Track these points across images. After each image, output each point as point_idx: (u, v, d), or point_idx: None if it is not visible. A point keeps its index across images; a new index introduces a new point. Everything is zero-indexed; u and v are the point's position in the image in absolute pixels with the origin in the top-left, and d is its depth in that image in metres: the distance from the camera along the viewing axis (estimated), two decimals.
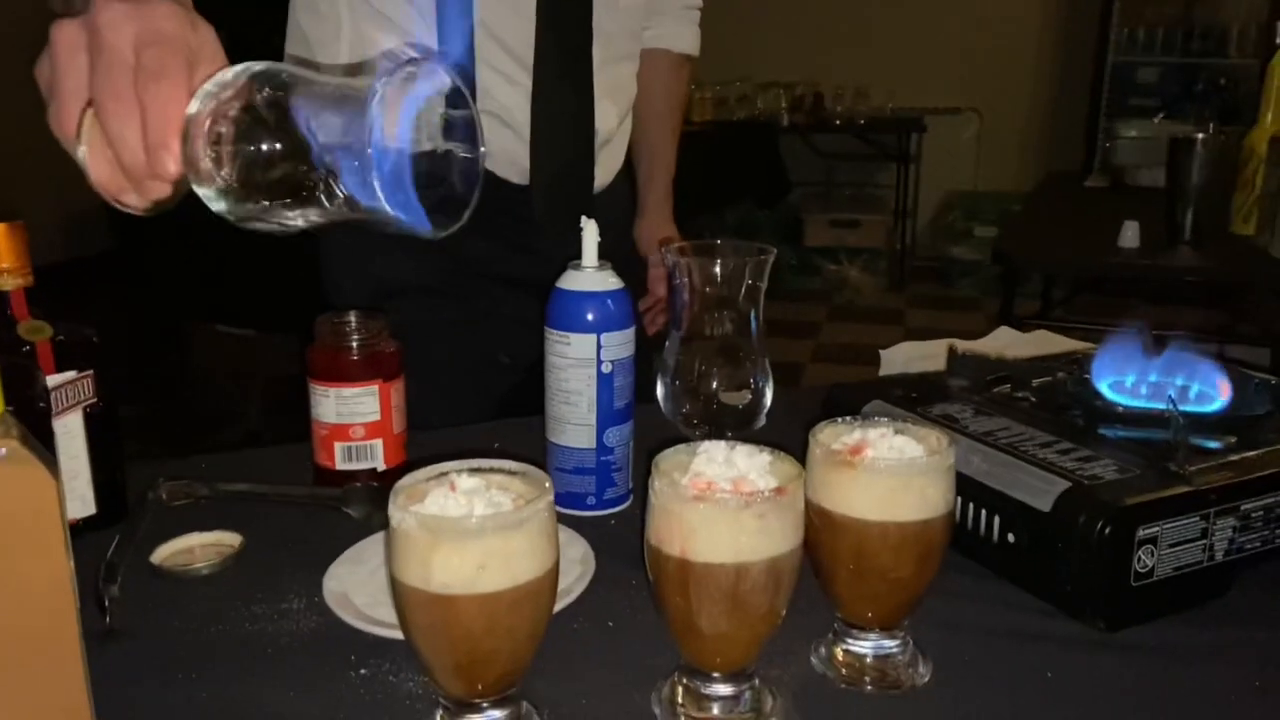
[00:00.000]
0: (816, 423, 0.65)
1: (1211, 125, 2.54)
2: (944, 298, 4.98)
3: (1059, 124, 5.09)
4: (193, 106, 0.57)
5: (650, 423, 0.85)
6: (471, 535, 0.51)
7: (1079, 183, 2.89)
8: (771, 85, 5.22)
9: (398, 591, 0.53)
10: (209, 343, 3.52)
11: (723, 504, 0.54)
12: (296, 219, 0.60)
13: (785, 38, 5.37)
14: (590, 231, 0.84)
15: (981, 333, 1.24)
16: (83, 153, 0.59)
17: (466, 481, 0.55)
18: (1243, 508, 0.69)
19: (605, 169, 1.22)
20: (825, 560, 0.63)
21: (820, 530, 0.62)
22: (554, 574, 0.55)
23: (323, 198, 0.58)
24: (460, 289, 1.20)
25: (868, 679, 0.63)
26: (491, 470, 0.57)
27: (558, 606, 0.68)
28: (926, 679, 0.63)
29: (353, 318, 0.85)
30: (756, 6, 5.23)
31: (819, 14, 5.32)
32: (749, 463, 0.57)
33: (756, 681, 0.60)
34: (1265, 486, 0.70)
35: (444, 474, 0.56)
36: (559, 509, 0.86)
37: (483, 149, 0.62)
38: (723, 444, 0.59)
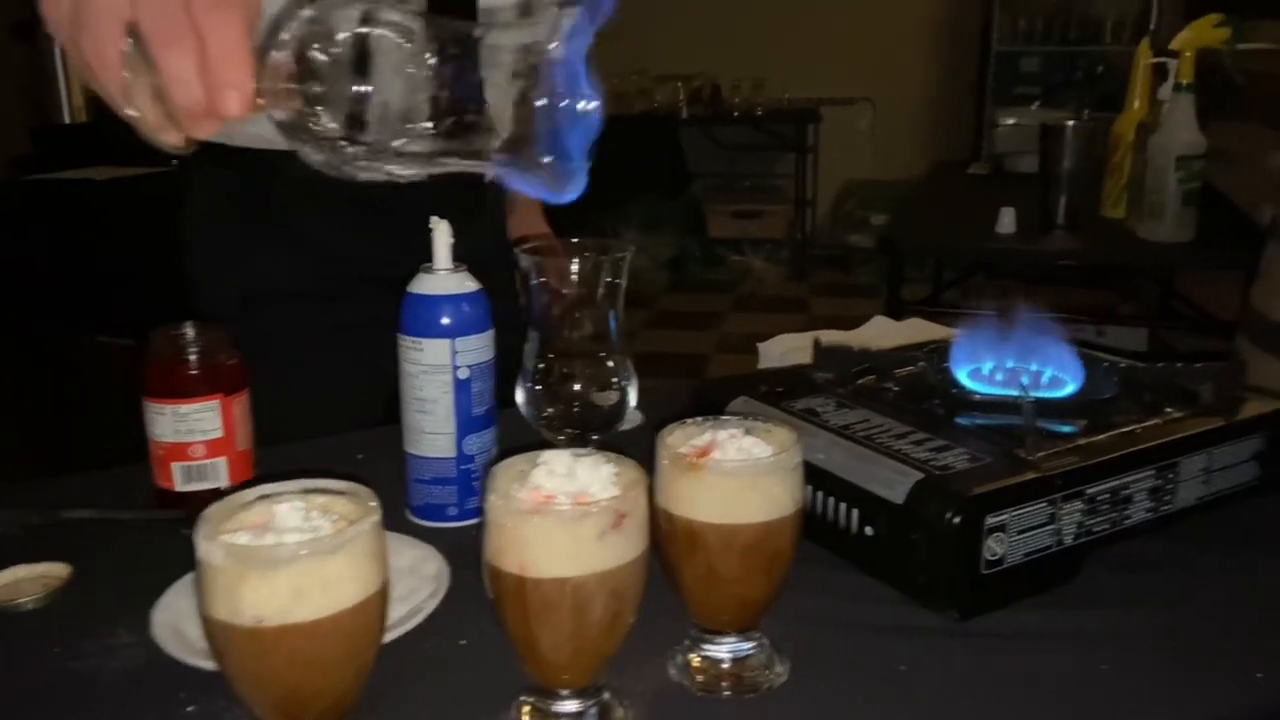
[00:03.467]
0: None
1: (1086, 112, 2.63)
2: (844, 285, 5.06)
3: (949, 113, 5.21)
4: (279, 36, 0.51)
5: (521, 428, 0.83)
6: (282, 563, 0.48)
7: (964, 170, 2.96)
8: (669, 78, 5.22)
9: (208, 629, 0.50)
10: (92, 356, 3.36)
11: (559, 516, 0.52)
12: (418, 164, 0.54)
13: (681, 31, 5.38)
14: (442, 233, 0.81)
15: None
16: (123, 83, 0.53)
17: (283, 506, 0.52)
18: (1088, 492, 0.70)
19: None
20: (676, 567, 0.61)
21: (670, 537, 0.60)
22: (381, 598, 0.52)
23: (464, 138, 0.51)
24: (338, 292, 1.16)
25: (724, 684, 0.62)
26: (314, 491, 0.54)
27: (407, 626, 0.66)
28: (784, 679, 0.63)
29: (189, 329, 0.80)
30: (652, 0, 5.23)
31: (713, 7, 5.35)
32: (592, 473, 0.56)
33: (606, 695, 0.58)
34: (1111, 469, 0.71)
35: (261, 498, 0.53)
36: (419, 521, 0.83)
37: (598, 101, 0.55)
38: (565, 454, 0.57)
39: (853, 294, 4.90)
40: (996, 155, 2.77)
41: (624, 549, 0.54)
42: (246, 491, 0.53)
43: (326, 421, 1.07)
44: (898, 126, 5.34)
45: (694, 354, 4.13)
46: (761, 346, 1.18)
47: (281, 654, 0.49)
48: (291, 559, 0.48)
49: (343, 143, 0.52)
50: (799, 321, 4.37)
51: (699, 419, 0.64)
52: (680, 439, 0.62)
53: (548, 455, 0.57)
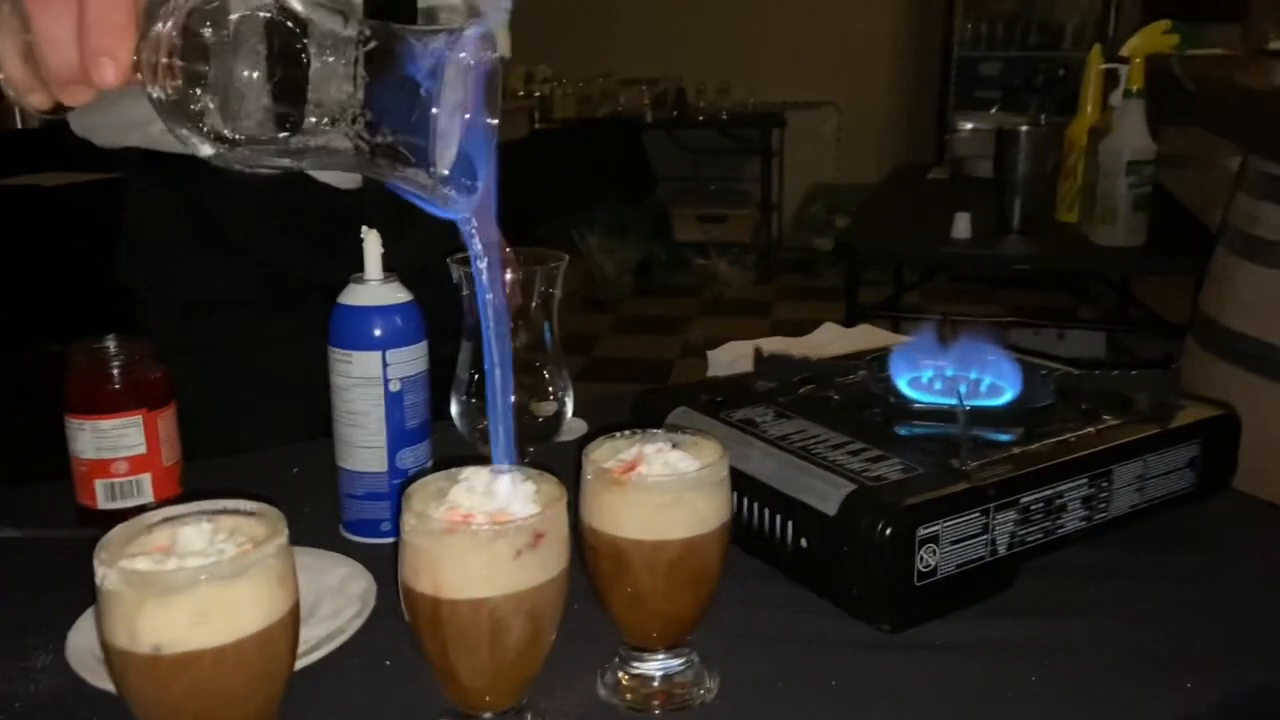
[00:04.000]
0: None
1: (1043, 117, 2.65)
2: (810, 288, 5.07)
3: (912, 117, 5.25)
4: (167, 7, 0.47)
5: (459, 442, 0.81)
6: (180, 589, 0.46)
7: (925, 175, 2.97)
8: (634, 82, 5.22)
9: (108, 657, 0.48)
10: (35, 365, 3.29)
11: (474, 536, 0.51)
12: (293, 159, 0.50)
13: (646, 34, 5.38)
14: (372, 242, 0.80)
15: (844, 323, 1.25)
16: None
17: (188, 529, 0.50)
18: (1022, 501, 0.70)
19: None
20: (603, 584, 0.60)
21: (595, 554, 0.59)
22: (289, 624, 0.51)
23: (341, 139, 0.48)
24: (279, 302, 1.14)
25: (655, 702, 0.61)
26: (223, 512, 0.52)
27: (328, 648, 0.64)
28: (714, 694, 0.62)
29: (111, 342, 0.78)
30: (617, 3, 5.23)
31: (679, 10, 5.35)
32: (511, 491, 0.54)
33: (529, 717, 0.57)
34: (1044, 479, 0.71)
35: (166, 520, 0.51)
36: (352, 537, 0.81)
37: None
38: (484, 471, 0.56)
39: (818, 297, 4.91)
40: (956, 160, 2.78)
41: (542, 569, 0.53)
42: (152, 513, 0.52)
43: (270, 434, 1.05)
44: (862, 131, 5.37)
45: (658, 359, 4.12)
46: (711, 354, 1.17)
47: (182, 683, 0.47)
48: (190, 584, 0.47)
49: (219, 131, 0.49)
50: (764, 326, 4.37)
51: (627, 432, 0.63)
52: (607, 453, 0.61)
53: (468, 473, 0.56)
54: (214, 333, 1.13)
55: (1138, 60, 1.82)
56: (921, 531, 0.66)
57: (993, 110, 3.49)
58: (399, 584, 0.54)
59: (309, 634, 0.65)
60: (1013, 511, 0.70)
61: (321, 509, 0.85)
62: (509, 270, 0.79)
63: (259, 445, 1.03)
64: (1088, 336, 2.98)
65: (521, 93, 4.75)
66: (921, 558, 0.66)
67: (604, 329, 4.57)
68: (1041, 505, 0.71)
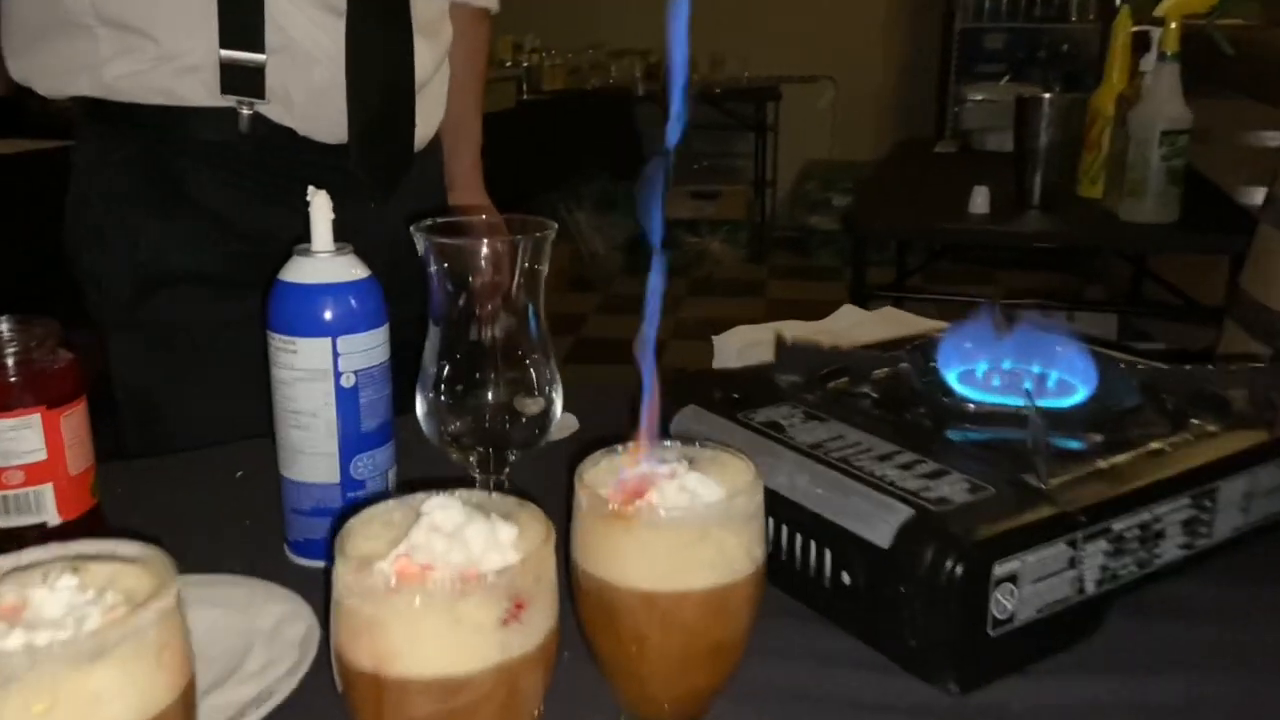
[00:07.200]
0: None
1: (1056, 88, 2.51)
2: (804, 268, 4.94)
3: (911, 91, 5.10)
4: None
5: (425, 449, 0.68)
6: (20, 676, 0.33)
7: (929, 149, 2.83)
8: (625, 53, 5.05)
9: None
10: None
11: (431, 596, 0.38)
12: None
13: (638, 4, 5.19)
14: (320, 205, 0.66)
15: (840, 303, 1.11)
16: None
17: (39, 589, 0.37)
18: (1115, 527, 0.57)
19: (425, 120, 1.06)
20: (601, 643, 0.47)
21: (591, 605, 0.46)
22: (180, 711, 0.37)
23: None
24: (249, 276, 1.00)
25: None
26: (95, 558, 0.39)
27: (256, 716, 0.51)
28: None
29: (3, 324, 0.64)
30: None
31: None
32: (485, 534, 0.41)
33: None
34: (1141, 499, 0.58)
35: (16, 570, 0.38)
36: (298, 560, 0.68)
37: None
38: (454, 504, 0.42)
39: (813, 277, 4.78)
40: (964, 132, 2.64)
41: (523, 637, 0.39)
42: (11, 556, 0.38)
43: (230, 426, 0.91)
44: (859, 105, 5.22)
45: None
46: (717, 340, 1.03)
47: None
48: (33, 671, 0.33)
49: None
50: (758, 306, 4.24)
51: (630, 444, 0.49)
52: (605, 474, 0.48)
53: (432, 505, 0.42)
54: (167, 311, 1.00)
55: (1174, 22, 1.68)
56: (998, 569, 0.53)
57: (1003, 81, 3.35)
58: (331, 651, 0.41)
59: (229, 698, 0.51)
60: (1104, 540, 0.57)
61: (265, 523, 0.72)
62: (485, 239, 0.65)
63: (213, 443, 0.89)
64: (1097, 318, 2.86)
65: (509, 62, 4.58)
66: (997, 601, 0.53)
67: (592, 308, 4.42)
68: (1137, 531, 0.58)
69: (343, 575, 0.39)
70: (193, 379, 1.02)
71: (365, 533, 0.41)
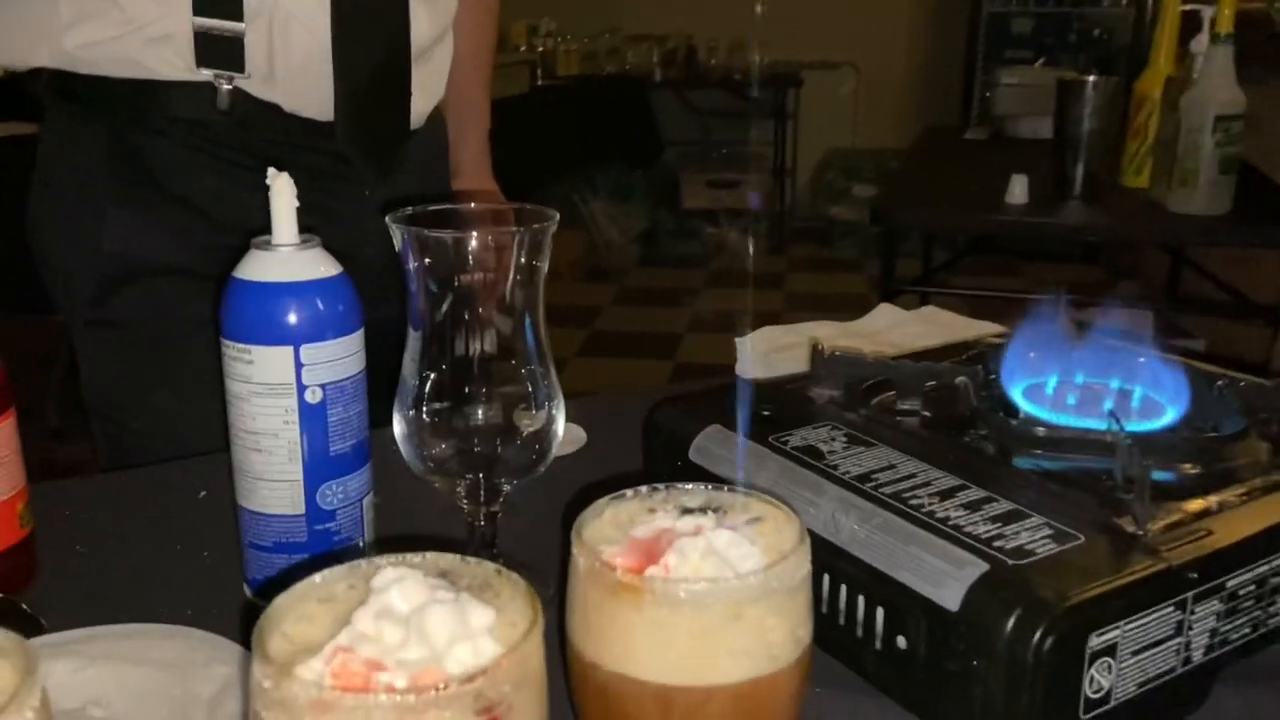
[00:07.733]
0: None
1: (1093, 71, 2.39)
2: (825, 260, 4.82)
3: (936, 77, 4.97)
4: None
5: (405, 473, 0.59)
6: None
7: (958, 136, 2.72)
8: (642, 38, 4.94)
9: None
10: (8, 331, 3.07)
11: (378, 710, 0.28)
12: None
13: None
14: (283, 188, 0.56)
15: (863, 296, 1.02)
16: None
17: None
18: (1230, 584, 0.47)
19: (423, 94, 0.95)
20: None
21: (592, 700, 0.37)
22: None
23: None
24: (227, 270, 0.91)
25: None
26: None
27: None
28: None
29: None
30: None
31: None
32: (451, 622, 0.31)
33: None
34: (1260, 549, 0.48)
35: None
36: (259, 602, 0.59)
37: None
38: (417, 578, 0.33)
39: (834, 269, 4.67)
40: (995, 118, 2.52)
41: None
42: None
43: (205, 434, 0.82)
44: (882, 92, 5.09)
45: (665, 333, 3.88)
46: (740, 343, 0.94)
47: None
48: None
49: None
50: (777, 299, 4.13)
51: (643, 490, 0.40)
52: (609, 529, 0.38)
53: (385, 579, 0.33)
54: (137, 307, 0.91)
55: (1227, 3, 1.57)
56: (1095, 641, 0.43)
57: (1037, 64, 3.22)
58: None
59: None
60: (1217, 600, 0.47)
61: (225, 553, 0.63)
62: (474, 230, 0.56)
63: (180, 453, 0.81)
64: (1133, 316, 2.74)
65: (523, 47, 4.49)
66: (1092, 678, 0.43)
67: (606, 300, 4.32)
68: (1253, 588, 0.48)
69: (261, 680, 0.29)
70: (165, 381, 0.94)
71: (298, 613, 0.32)
